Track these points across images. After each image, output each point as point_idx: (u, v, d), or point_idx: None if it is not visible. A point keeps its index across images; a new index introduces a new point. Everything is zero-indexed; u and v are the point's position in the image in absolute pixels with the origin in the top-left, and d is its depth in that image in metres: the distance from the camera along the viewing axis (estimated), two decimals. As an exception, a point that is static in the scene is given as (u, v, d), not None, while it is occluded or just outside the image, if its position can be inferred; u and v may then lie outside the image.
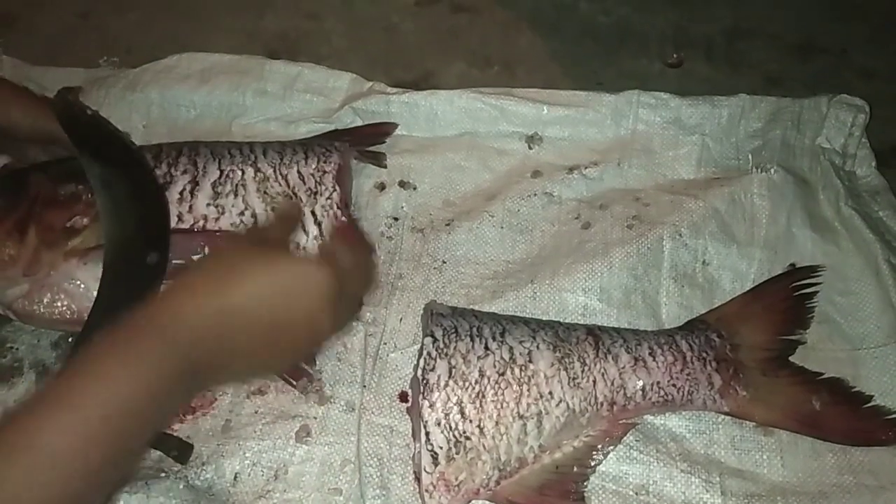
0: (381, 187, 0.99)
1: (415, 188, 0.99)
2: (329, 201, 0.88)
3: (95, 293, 0.75)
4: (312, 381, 0.80)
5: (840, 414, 0.75)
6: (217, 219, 0.84)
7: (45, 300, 0.78)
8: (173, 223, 0.81)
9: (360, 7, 1.35)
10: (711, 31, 1.27)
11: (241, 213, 0.85)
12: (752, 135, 1.00)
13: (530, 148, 1.03)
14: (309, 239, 0.87)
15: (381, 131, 1.03)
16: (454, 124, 1.05)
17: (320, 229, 0.87)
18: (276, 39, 1.28)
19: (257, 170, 0.87)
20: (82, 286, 0.77)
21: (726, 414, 0.77)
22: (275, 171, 0.88)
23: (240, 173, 0.86)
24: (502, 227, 0.95)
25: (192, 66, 1.11)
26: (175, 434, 0.77)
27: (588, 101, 1.03)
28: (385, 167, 1.00)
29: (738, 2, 1.32)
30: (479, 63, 1.24)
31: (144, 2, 1.37)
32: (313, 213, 0.87)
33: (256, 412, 0.79)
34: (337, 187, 0.90)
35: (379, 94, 1.07)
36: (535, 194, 0.97)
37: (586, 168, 1.00)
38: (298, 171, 0.89)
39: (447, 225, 0.95)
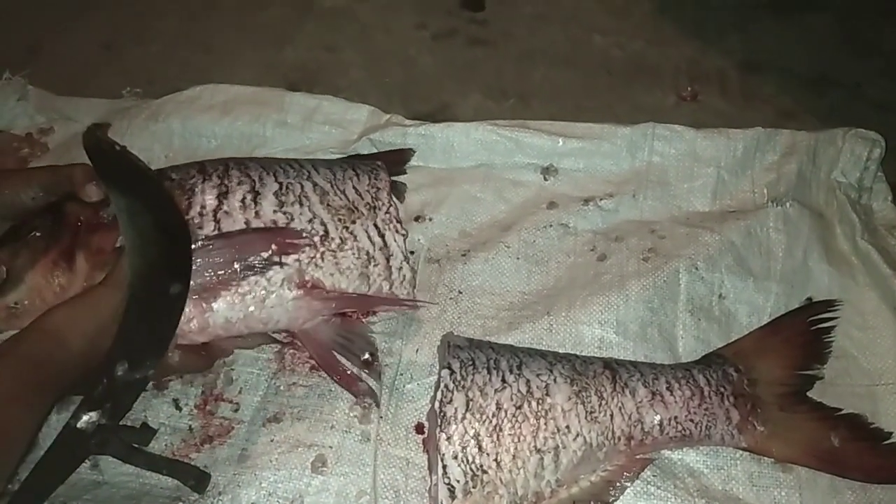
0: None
1: (431, 219, 1.00)
2: (388, 215, 0.89)
3: None
4: (368, 396, 0.82)
5: (859, 451, 0.75)
6: (287, 225, 0.83)
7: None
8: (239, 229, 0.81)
9: (377, 40, 1.37)
10: (725, 65, 1.28)
11: (311, 221, 0.84)
12: (768, 168, 1.01)
13: (546, 179, 1.04)
14: (375, 250, 0.87)
15: (399, 159, 1.03)
16: (470, 156, 1.06)
17: (384, 240, 0.87)
18: (296, 71, 1.31)
19: (315, 184, 0.87)
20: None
21: (744, 450, 0.76)
22: (332, 186, 0.88)
23: (299, 186, 0.86)
24: (518, 258, 0.95)
25: (213, 97, 1.12)
26: (192, 463, 0.77)
27: (603, 133, 1.04)
28: (403, 200, 1.01)
29: (751, 36, 1.33)
30: (495, 95, 1.25)
31: (167, 34, 1.40)
32: (376, 225, 0.88)
33: (272, 441, 0.79)
34: (392, 202, 0.91)
35: (396, 125, 1.08)
36: (551, 225, 0.98)
37: (602, 200, 1.00)
38: (354, 187, 0.90)
39: (463, 256, 0.96)
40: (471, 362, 0.74)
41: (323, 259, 0.83)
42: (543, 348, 0.83)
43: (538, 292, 0.92)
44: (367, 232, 0.87)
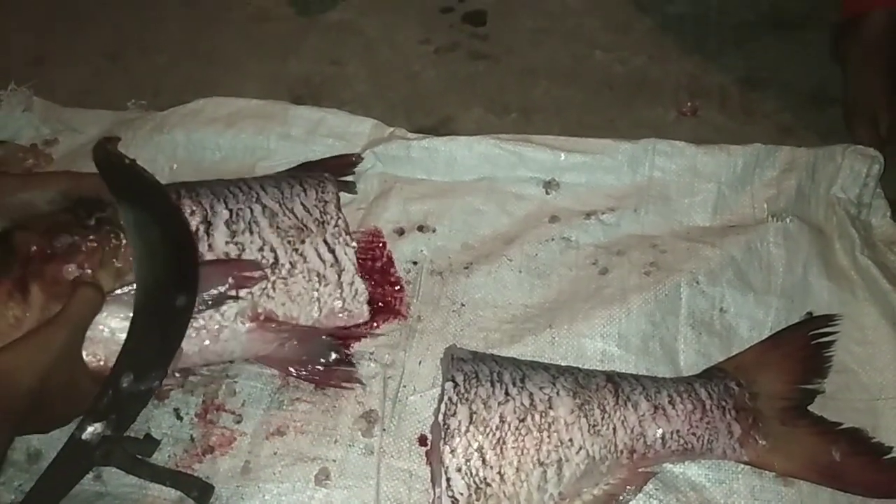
0: (401, 232, 1.00)
1: (434, 231, 1.01)
2: (337, 229, 0.91)
3: (122, 336, 0.75)
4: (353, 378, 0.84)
5: (860, 465, 0.75)
6: (239, 255, 0.85)
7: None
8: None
9: (381, 54, 1.39)
10: (725, 81, 1.29)
11: (261, 249, 0.86)
12: (768, 183, 1.01)
13: (548, 193, 1.05)
14: (326, 267, 0.88)
15: (347, 162, 1.06)
16: (473, 169, 1.06)
17: (335, 256, 0.89)
18: (300, 85, 1.32)
19: (264, 206, 0.89)
20: (106, 331, 0.77)
21: (746, 463, 0.77)
22: (280, 206, 0.89)
23: (248, 211, 0.87)
24: (520, 272, 0.96)
25: (218, 109, 1.13)
26: (195, 474, 0.77)
27: (605, 148, 1.05)
28: (356, 193, 1.04)
29: (752, 52, 1.35)
30: (497, 109, 1.27)
31: (172, 46, 1.41)
32: (325, 241, 0.89)
33: (275, 453, 0.80)
34: (341, 215, 0.92)
35: (400, 139, 1.09)
36: (553, 239, 0.99)
37: (603, 214, 1.01)
38: (302, 203, 0.91)
39: (466, 268, 0.96)
40: (474, 375, 0.74)
41: (274, 289, 0.84)
42: (546, 361, 0.83)
43: (540, 305, 0.93)
44: (316, 250, 0.88)
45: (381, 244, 0.99)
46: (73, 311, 0.71)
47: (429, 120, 1.24)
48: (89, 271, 0.78)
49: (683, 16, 1.44)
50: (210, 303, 0.81)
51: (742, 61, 1.33)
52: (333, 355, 0.85)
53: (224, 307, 0.81)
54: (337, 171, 1.03)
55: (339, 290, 0.87)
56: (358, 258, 0.93)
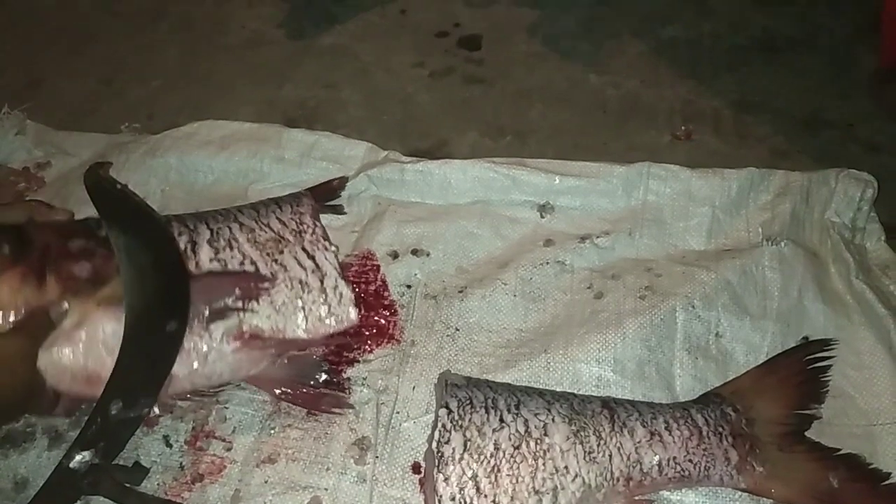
0: (395, 255, 1.00)
1: (428, 255, 1.00)
2: (314, 236, 0.92)
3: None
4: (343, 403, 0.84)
5: (858, 491, 0.74)
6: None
7: (76, 352, 0.75)
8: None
9: (376, 78, 1.39)
10: (719, 105, 1.30)
11: (242, 263, 0.86)
12: (762, 207, 1.02)
13: (542, 217, 1.05)
14: (308, 274, 0.88)
15: (334, 187, 1.07)
16: (467, 193, 1.06)
17: (315, 262, 0.89)
18: (295, 108, 1.32)
19: (241, 224, 0.90)
20: (114, 336, 0.76)
21: (743, 490, 0.76)
22: (256, 222, 0.91)
23: (227, 229, 0.89)
24: (515, 296, 0.95)
25: (211, 133, 1.13)
26: (184, 503, 0.76)
27: (599, 171, 1.05)
28: (345, 213, 1.05)
29: (745, 76, 1.35)
30: (492, 133, 1.27)
31: (167, 70, 1.41)
32: (304, 248, 0.90)
33: (266, 482, 0.79)
34: (318, 223, 0.93)
35: (394, 162, 1.09)
36: (548, 263, 0.98)
37: (598, 237, 1.01)
38: (278, 218, 0.93)
39: (460, 292, 0.96)
40: (468, 401, 0.73)
41: (258, 301, 0.84)
42: (541, 387, 0.82)
43: (535, 330, 0.92)
44: (296, 258, 0.89)
45: (374, 267, 0.99)
46: (28, 326, 0.73)
47: (423, 143, 1.24)
48: (109, 271, 0.78)
49: (677, 40, 1.45)
50: (216, 315, 0.80)
51: (735, 85, 1.34)
52: (324, 375, 0.84)
53: (212, 326, 0.81)
54: (323, 196, 1.04)
55: (324, 296, 0.87)
56: (352, 281, 0.94)
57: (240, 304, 0.82)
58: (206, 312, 0.80)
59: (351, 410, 0.84)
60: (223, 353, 0.81)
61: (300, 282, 0.87)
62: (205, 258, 0.85)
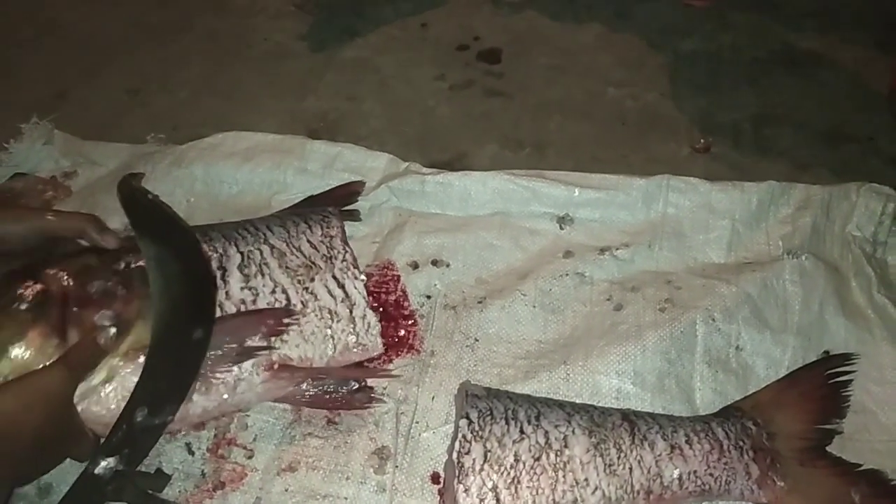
0: (415, 266, 1.01)
1: (448, 266, 1.01)
2: (345, 263, 0.91)
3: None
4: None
5: (880, 508, 0.74)
6: (254, 301, 0.85)
7: (104, 407, 0.75)
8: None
9: (397, 90, 1.40)
10: (738, 118, 1.30)
11: (273, 292, 0.86)
12: (783, 221, 1.01)
13: (562, 228, 1.05)
14: (337, 303, 0.88)
15: (351, 191, 1.07)
16: (487, 204, 1.07)
17: (345, 291, 0.89)
18: (317, 120, 1.33)
19: (272, 247, 0.89)
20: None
21: (764, 505, 0.76)
22: (288, 245, 0.90)
23: (258, 253, 0.88)
24: (534, 307, 0.95)
25: (236, 144, 1.15)
26: (206, 510, 0.77)
27: (619, 184, 1.06)
28: (360, 220, 1.05)
29: (765, 90, 1.35)
30: (511, 145, 1.27)
31: (192, 81, 1.43)
32: (334, 276, 0.89)
33: (287, 490, 0.79)
34: (348, 248, 0.93)
35: (414, 174, 1.10)
36: (567, 274, 0.99)
37: (617, 249, 1.01)
38: (308, 241, 0.92)
39: (479, 303, 0.96)
40: (489, 412, 0.73)
41: (287, 331, 0.84)
42: (560, 398, 0.82)
43: (555, 341, 0.93)
44: (326, 287, 0.88)
45: (395, 277, 0.99)
46: (72, 358, 0.71)
47: (443, 155, 1.25)
48: (131, 316, 0.78)
49: (696, 53, 1.45)
50: (246, 355, 0.80)
51: (755, 98, 1.34)
52: (353, 384, 0.85)
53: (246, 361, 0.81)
54: (341, 201, 1.04)
55: (352, 325, 0.87)
56: (371, 291, 0.94)
57: (269, 340, 0.82)
58: (236, 353, 0.80)
59: (371, 420, 0.84)
60: (253, 384, 0.81)
61: (329, 311, 0.87)
62: (235, 287, 0.84)
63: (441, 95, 1.38)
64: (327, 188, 1.09)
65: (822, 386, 0.81)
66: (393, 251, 1.02)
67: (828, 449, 0.78)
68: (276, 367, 0.82)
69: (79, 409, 0.73)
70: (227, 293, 0.84)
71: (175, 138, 1.23)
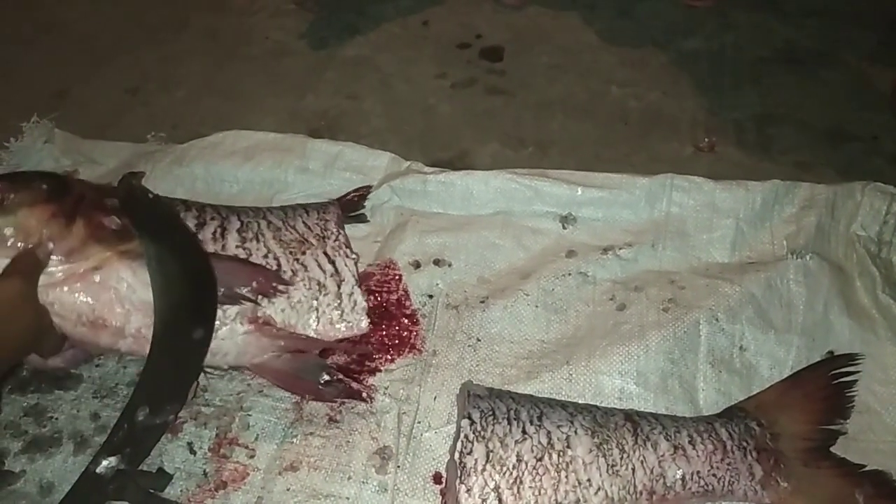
0: (417, 265, 1.00)
1: (450, 265, 1.00)
2: (337, 243, 0.94)
3: (138, 298, 0.77)
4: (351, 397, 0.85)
5: (885, 509, 0.73)
6: (247, 258, 0.87)
7: (87, 292, 0.78)
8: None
9: (398, 89, 1.40)
10: (741, 117, 1.29)
11: (265, 256, 0.88)
12: (787, 220, 1.01)
13: (564, 228, 1.05)
14: (326, 277, 0.90)
15: (357, 199, 1.08)
16: (489, 203, 1.07)
17: (335, 267, 0.91)
18: (318, 118, 1.33)
19: (269, 222, 0.93)
20: (127, 288, 0.78)
21: (768, 506, 0.75)
22: (284, 223, 0.93)
23: (256, 224, 0.91)
24: (537, 307, 0.95)
25: (236, 143, 1.15)
26: (207, 510, 0.76)
27: (622, 183, 1.05)
28: (368, 221, 1.07)
29: (767, 89, 1.35)
30: (513, 144, 1.27)
31: (192, 80, 1.43)
32: (325, 253, 0.92)
33: (288, 489, 0.79)
34: (341, 231, 0.95)
35: (416, 173, 1.10)
36: (570, 274, 0.98)
37: (620, 249, 1.01)
38: (304, 222, 0.95)
39: (482, 302, 0.96)
40: (491, 412, 0.73)
41: (276, 295, 0.86)
42: (563, 398, 0.82)
43: (557, 341, 0.92)
44: (317, 261, 0.91)
45: (396, 277, 0.99)
46: (33, 263, 0.74)
47: (445, 154, 1.24)
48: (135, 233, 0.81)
49: (699, 52, 1.45)
50: (232, 299, 0.82)
51: (758, 97, 1.33)
52: (325, 377, 0.85)
53: (231, 306, 0.82)
54: (347, 209, 1.04)
55: (339, 301, 0.89)
56: (373, 291, 0.94)
57: (256, 296, 0.83)
58: (223, 293, 0.81)
59: (373, 419, 0.84)
60: (234, 331, 0.83)
61: (318, 283, 0.89)
62: (231, 244, 0.87)
63: (442, 94, 1.38)
64: (328, 187, 1.09)
65: (826, 386, 0.80)
66: (395, 250, 1.02)
67: (832, 449, 0.77)
68: (260, 321, 0.83)
69: (57, 288, 0.76)
70: (223, 246, 0.87)
71: (175, 137, 1.23)
